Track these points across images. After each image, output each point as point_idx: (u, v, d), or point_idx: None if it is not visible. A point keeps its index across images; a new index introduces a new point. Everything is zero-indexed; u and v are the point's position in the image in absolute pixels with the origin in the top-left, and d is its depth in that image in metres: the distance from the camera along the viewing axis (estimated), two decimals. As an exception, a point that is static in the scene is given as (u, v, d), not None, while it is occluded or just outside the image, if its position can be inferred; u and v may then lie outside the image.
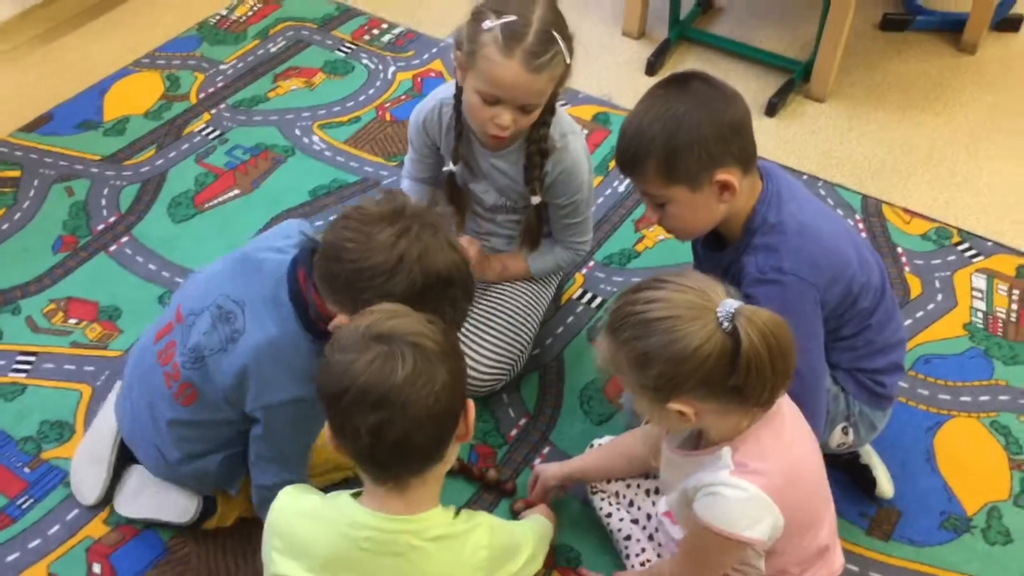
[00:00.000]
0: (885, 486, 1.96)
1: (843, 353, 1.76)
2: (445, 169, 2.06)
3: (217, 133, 2.79)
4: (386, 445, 1.25)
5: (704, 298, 1.35)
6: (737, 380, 1.33)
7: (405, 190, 2.20)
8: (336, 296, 1.51)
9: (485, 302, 2.14)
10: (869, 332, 1.75)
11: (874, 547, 1.91)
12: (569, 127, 2.00)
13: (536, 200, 2.01)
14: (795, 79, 2.98)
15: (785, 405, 1.50)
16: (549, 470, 1.89)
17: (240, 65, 3.03)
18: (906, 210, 2.59)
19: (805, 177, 2.68)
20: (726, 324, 1.32)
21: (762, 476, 1.42)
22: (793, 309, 1.55)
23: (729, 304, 1.33)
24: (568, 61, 1.81)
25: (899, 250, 2.48)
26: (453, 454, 1.36)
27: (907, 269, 2.43)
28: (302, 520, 1.37)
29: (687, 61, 3.13)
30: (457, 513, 1.40)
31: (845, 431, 1.83)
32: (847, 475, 1.97)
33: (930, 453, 2.05)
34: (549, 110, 1.90)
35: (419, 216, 1.48)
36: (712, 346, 1.32)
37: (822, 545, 1.56)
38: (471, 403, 1.34)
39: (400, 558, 1.33)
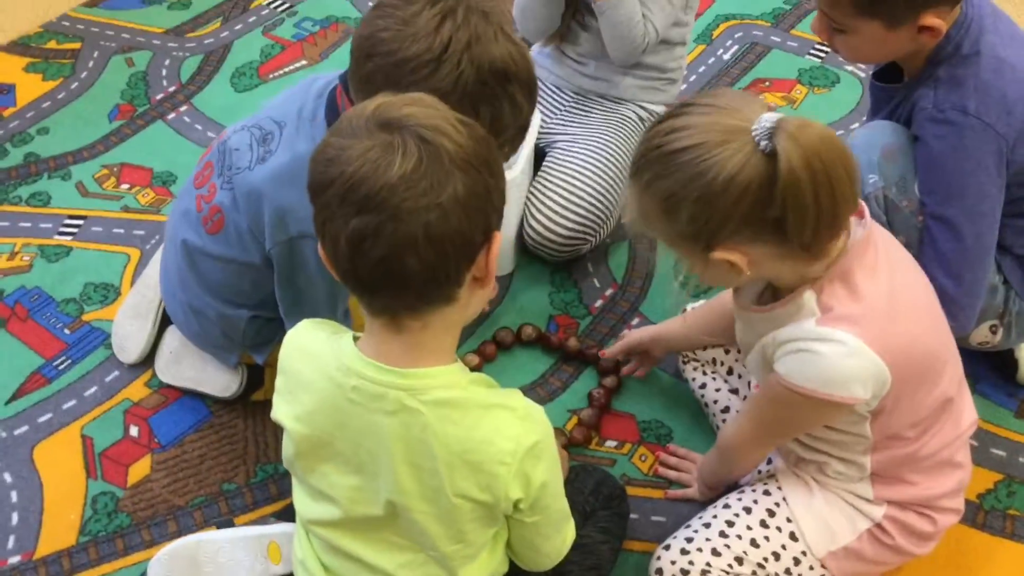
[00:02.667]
0: None
1: (1019, 235, 1.46)
2: None
3: (286, 5, 2.60)
4: (369, 261, 0.97)
5: (737, 116, 1.07)
6: (777, 211, 1.06)
7: None
8: None
9: (568, 155, 1.89)
10: None
11: (1024, 430, 1.61)
12: None
13: None
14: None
15: (876, 233, 1.20)
16: (635, 331, 1.64)
17: (314, -58, 2.83)
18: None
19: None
20: (764, 143, 1.04)
21: (857, 321, 1.13)
22: (969, 159, 1.31)
23: (767, 118, 1.05)
24: None
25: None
26: (471, 301, 1.06)
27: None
28: (302, 358, 1.12)
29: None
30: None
31: (993, 330, 1.53)
32: (986, 355, 1.67)
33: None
34: None
35: None
36: (749, 173, 1.05)
37: (944, 398, 1.25)
38: (498, 236, 1.03)
39: (393, 419, 1.05)
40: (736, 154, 1.05)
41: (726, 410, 1.56)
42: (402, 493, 1.07)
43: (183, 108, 2.30)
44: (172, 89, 2.36)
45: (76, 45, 2.50)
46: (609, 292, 1.87)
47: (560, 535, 1.21)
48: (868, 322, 1.13)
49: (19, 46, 2.50)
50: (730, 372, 1.59)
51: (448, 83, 1.21)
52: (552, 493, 1.12)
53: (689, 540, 1.30)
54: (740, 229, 1.09)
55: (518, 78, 1.26)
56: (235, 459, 1.62)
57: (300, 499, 1.20)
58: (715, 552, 1.28)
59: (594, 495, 1.40)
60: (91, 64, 2.44)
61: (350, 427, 1.08)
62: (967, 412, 1.32)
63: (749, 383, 1.56)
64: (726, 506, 1.35)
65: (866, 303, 1.15)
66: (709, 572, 1.27)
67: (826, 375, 1.14)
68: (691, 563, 1.28)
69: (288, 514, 1.39)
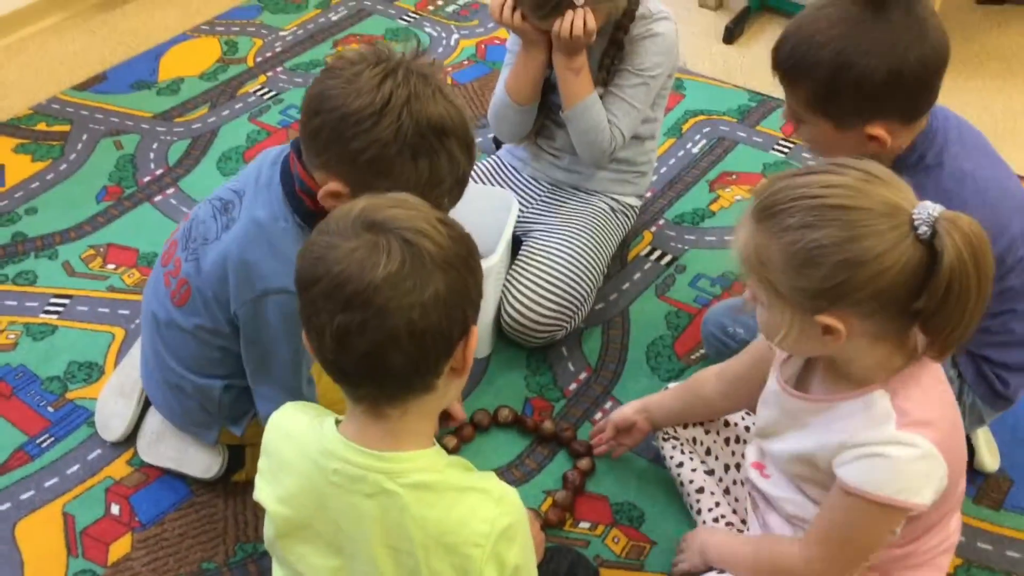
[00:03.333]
0: (986, 459, 1.72)
1: (977, 334, 1.53)
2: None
3: (272, 94, 2.68)
4: (353, 355, 1.02)
5: (898, 194, 1.09)
6: (928, 303, 1.07)
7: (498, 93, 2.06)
8: (324, 156, 1.36)
9: (544, 244, 1.97)
10: (1011, 318, 1.50)
11: (982, 516, 1.67)
12: (667, 13, 1.92)
13: (599, 92, 1.92)
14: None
15: None
16: (620, 409, 1.69)
17: (300, 32, 2.93)
18: None
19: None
20: (924, 229, 1.06)
21: (932, 427, 1.15)
22: None
23: (931, 206, 1.07)
24: None
25: None
26: (448, 390, 1.11)
27: None
28: (285, 440, 1.16)
29: (768, 30, 2.95)
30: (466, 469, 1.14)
31: None
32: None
33: (1046, 418, 1.80)
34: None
35: (405, 62, 1.34)
36: (901, 254, 1.06)
37: (957, 500, 1.30)
38: (475, 331, 1.09)
39: (372, 501, 1.08)
40: (894, 230, 1.06)
41: (701, 490, 1.60)
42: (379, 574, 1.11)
43: (170, 191, 2.36)
44: (159, 172, 2.42)
45: (66, 127, 2.56)
46: (583, 376, 1.93)
47: None
48: (940, 429, 1.16)
49: (9, 127, 2.56)
50: (708, 452, 1.63)
51: (389, 134, 1.31)
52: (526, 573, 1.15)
53: None
54: (864, 302, 1.10)
55: (455, 133, 1.36)
56: (215, 538, 1.64)
57: None
58: None
59: None
60: (80, 146, 2.50)
61: (330, 509, 1.11)
62: (957, 516, 1.36)
63: (726, 466, 1.60)
64: None
65: (937, 411, 1.18)
66: None
67: (900, 480, 1.15)
68: None
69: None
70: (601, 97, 1.92)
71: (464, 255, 1.07)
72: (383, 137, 1.30)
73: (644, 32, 1.90)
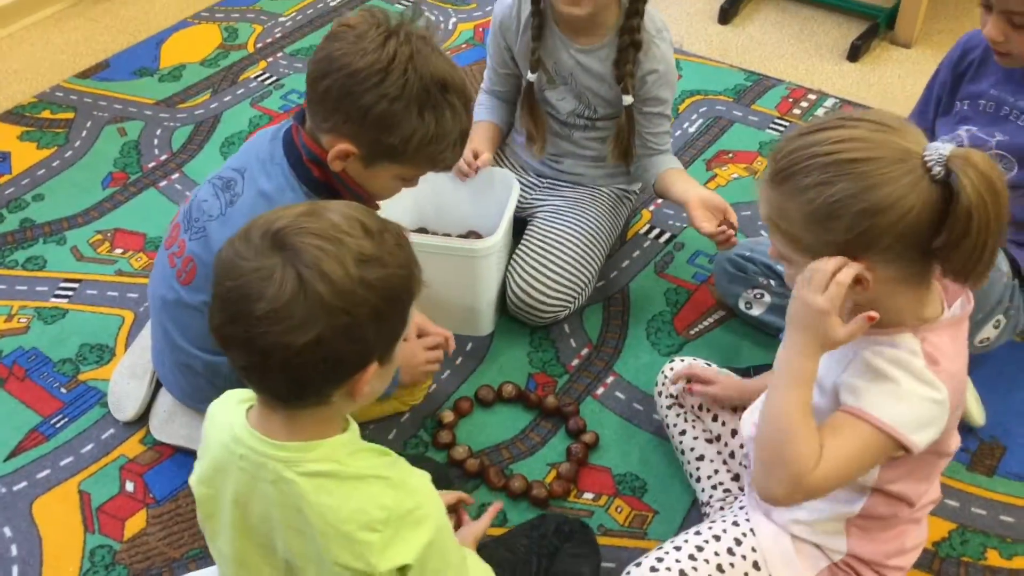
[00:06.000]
0: (975, 413, 1.77)
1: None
2: (525, 79, 1.98)
3: (273, 79, 2.71)
4: (235, 362, 1.03)
5: (908, 138, 1.11)
6: (948, 238, 1.09)
7: (481, 104, 2.12)
8: (333, 119, 1.40)
9: (551, 229, 2.00)
10: None
11: (976, 482, 1.71)
12: (663, 24, 1.90)
13: (628, 100, 1.90)
14: (880, 24, 2.81)
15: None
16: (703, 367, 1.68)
17: (299, 17, 2.97)
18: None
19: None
20: (937, 169, 1.09)
21: (953, 379, 1.17)
22: None
23: (940, 147, 1.09)
24: None
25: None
26: (345, 407, 1.09)
27: None
28: (210, 424, 1.17)
29: (763, 10, 2.98)
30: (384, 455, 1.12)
31: (997, 325, 1.62)
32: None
33: (1038, 386, 1.85)
34: None
35: (405, 24, 1.41)
36: (918, 196, 1.09)
37: (948, 450, 1.31)
38: (373, 367, 1.04)
39: (273, 487, 1.08)
40: (909, 175, 1.09)
41: (701, 458, 1.64)
42: (295, 555, 1.12)
43: (175, 175, 2.40)
44: (164, 157, 2.45)
45: (70, 115, 2.59)
46: (585, 351, 1.97)
47: None
48: (954, 384, 1.19)
49: (13, 115, 2.59)
50: (715, 419, 1.65)
51: (395, 89, 1.37)
52: (439, 556, 1.11)
53: (659, 560, 1.36)
54: (891, 247, 1.12)
55: (456, 89, 1.43)
56: (228, 513, 1.68)
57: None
58: (682, 573, 1.34)
59: (556, 535, 1.48)
60: (84, 133, 2.53)
61: (243, 491, 1.12)
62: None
63: (733, 431, 1.63)
64: (697, 532, 1.41)
65: (958, 367, 1.21)
66: None
67: (907, 413, 1.15)
68: None
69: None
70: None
71: (374, 301, 1.00)
72: (390, 92, 1.36)
73: (649, 68, 1.88)
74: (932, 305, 1.22)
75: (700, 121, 2.55)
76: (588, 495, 1.71)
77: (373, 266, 1.00)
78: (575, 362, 1.95)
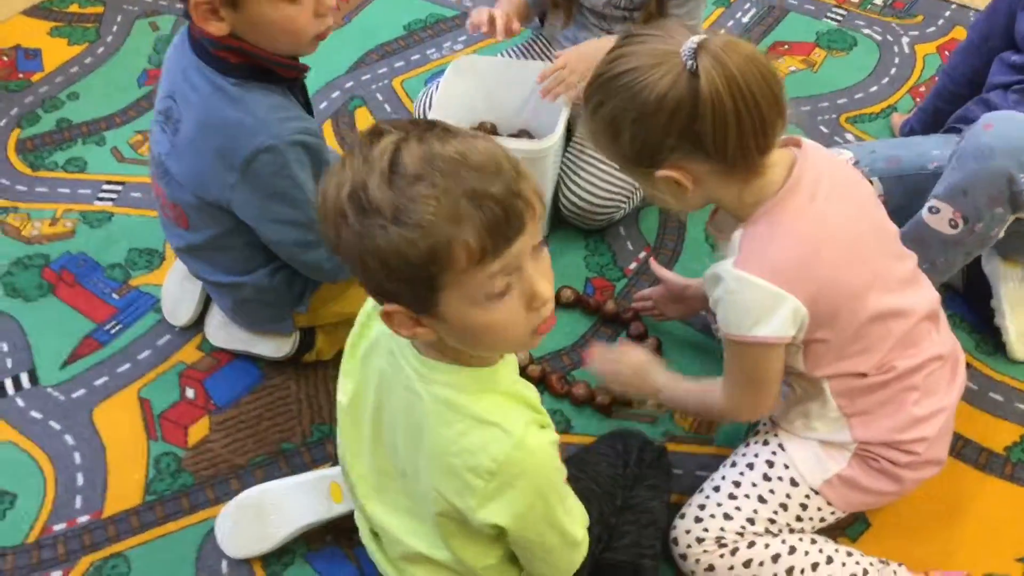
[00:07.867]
0: (1016, 346, 1.72)
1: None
2: None
3: (306, -32, 2.61)
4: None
5: (670, 42, 1.15)
6: (702, 127, 1.13)
7: None
8: None
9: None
10: None
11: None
12: None
13: None
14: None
15: (820, 161, 1.25)
16: (672, 277, 1.72)
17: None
18: None
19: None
20: (690, 63, 1.11)
21: (767, 260, 1.21)
22: None
23: (693, 40, 1.12)
24: None
25: None
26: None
27: None
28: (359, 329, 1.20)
29: None
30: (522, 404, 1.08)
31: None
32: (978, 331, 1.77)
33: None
34: None
35: None
36: (679, 92, 1.12)
37: (876, 321, 1.27)
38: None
39: (405, 393, 1.08)
40: (667, 75, 1.13)
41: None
42: (405, 461, 1.13)
43: (211, 73, 2.32)
44: (199, 53, 2.37)
45: (99, 9, 2.51)
46: (642, 254, 1.93)
47: (567, 559, 1.19)
48: (782, 266, 1.20)
49: (41, 10, 2.51)
50: None
51: None
52: (540, 523, 1.09)
53: (702, 507, 1.38)
54: (678, 146, 1.16)
55: None
56: (291, 419, 1.67)
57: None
58: (727, 516, 1.36)
59: (638, 462, 1.46)
60: (115, 28, 2.45)
61: (380, 391, 1.14)
62: (935, 345, 1.35)
63: None
64: (732, 464, 1.42)
65: (785, 246, 1.21)
66: (723, 537, 1.35)
67: (737, 315, 1.23)
68: (706, 530, 1.36)
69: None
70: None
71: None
72: None
73: None
74: (763, 190, 1.23)
75: (753, 11, 2.44)
76: (651, 401, 1.69)
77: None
78: (633, 265, 1.91)
